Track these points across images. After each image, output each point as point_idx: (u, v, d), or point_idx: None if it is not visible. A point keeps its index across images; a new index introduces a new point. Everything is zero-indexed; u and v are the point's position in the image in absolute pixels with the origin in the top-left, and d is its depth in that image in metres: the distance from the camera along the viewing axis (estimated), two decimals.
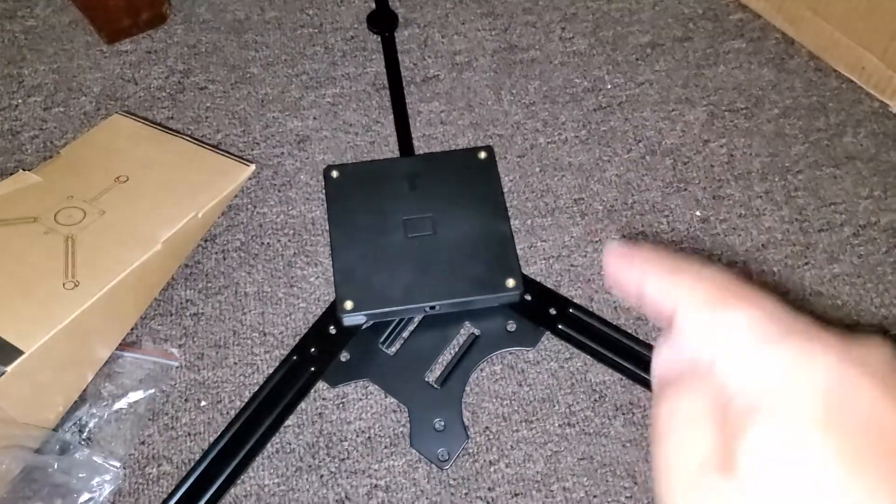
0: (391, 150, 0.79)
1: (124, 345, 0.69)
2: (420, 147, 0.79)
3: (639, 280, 0.28)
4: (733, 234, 0.74)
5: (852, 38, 0.80)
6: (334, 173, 0.73)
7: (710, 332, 0.26)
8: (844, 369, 0.23)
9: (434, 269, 0.68)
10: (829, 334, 0.24)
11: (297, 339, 0.69)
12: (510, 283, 0.67)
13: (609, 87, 0.83)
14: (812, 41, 0.84)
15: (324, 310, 0.71)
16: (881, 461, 0.22)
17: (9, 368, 0.58)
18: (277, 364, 0.68)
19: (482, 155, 0.74)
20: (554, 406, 0.66)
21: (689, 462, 0.25)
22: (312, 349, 0.67)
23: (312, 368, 0.66)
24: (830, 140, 0.79)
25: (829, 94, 0.82)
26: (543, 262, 0.73)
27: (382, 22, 0.87)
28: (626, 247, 0.29)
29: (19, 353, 0.59)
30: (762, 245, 0.74)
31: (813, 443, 0.22)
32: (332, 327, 0.68)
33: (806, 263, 0.73)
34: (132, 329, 0.69)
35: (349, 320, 0.67)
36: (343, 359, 0.67)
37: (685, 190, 0.77)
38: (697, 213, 0.75)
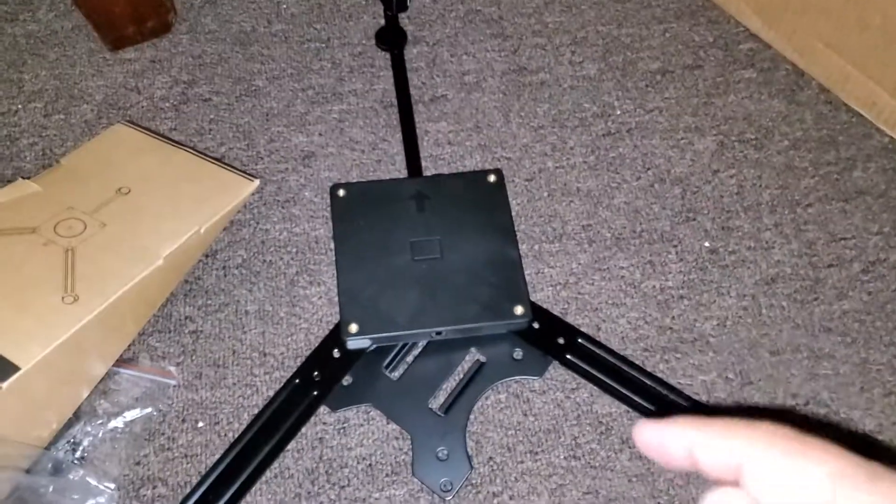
0: (398, 169, 0.78)
1: (121, 361, 0.67)
2: (427, 167, 0.78)
3: (687, 445, 0.28)
4: (742, 266, 0.73)
5: (864, 73, 0.80)
6: (341, 192, 0.72)
7: (788, 484, 0.26)
8: None
9: (441, 294, 0.66)
10: None
11: (298, 360, 0.68)
12: (518, 310, 0.66)
13: (618, 112, 0.83)
14: (823, 74, 0.84)
15: (326, 331, 0.69)
16: None
17: (4, 385, 0.56)
18: (277, 386, 0.66)
19: (492, 178, 0.73)
20: (559, 438, 0.65)
21: None
22: (315, 373, 0.66)
23: (315, 393, 0.65)
24: (840, 174, 0.79)
25: (839, 128, 0.82)
26: (550, 288, 0.72)
27: (391, 39, 0.86)
28: (656, 422, 0.29)
29: (15, 368, 0.57)
30: (771, 279, 0.73)
31: None
32: (335, 350, 0.67)
33: (815, 299, 0.72)
34: (130, 345, 0.68)
35: (353, 344, 0.66)
36: (345, 382, 0.66)
37: (694, 220, 0.76)
38: (706, 244, 0.75)
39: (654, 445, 0.30)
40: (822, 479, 0.25)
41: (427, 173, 0.78)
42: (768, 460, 0.26)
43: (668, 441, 0.29)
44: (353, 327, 0.65)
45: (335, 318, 0.70)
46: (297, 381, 0.65)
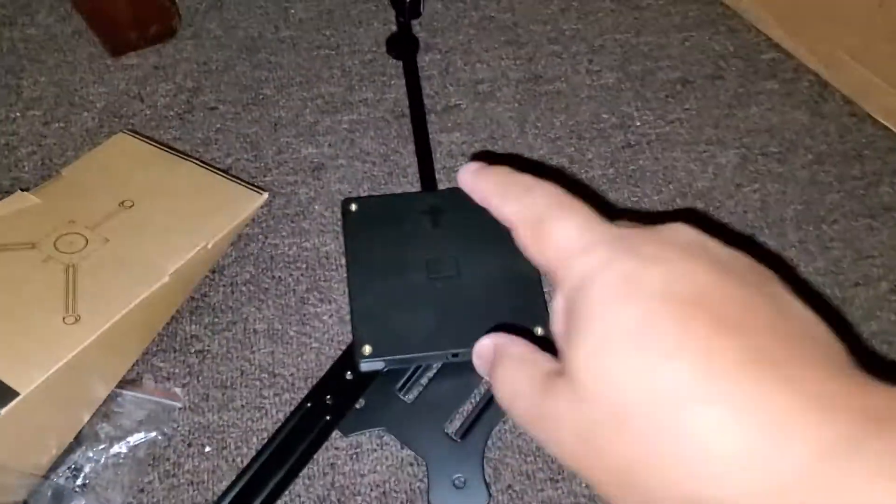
0: (409, 181, 0.76)
1: (124, 382, 0.64)
2: (440, 179, 0.76)
3: (484, 197, 0.35)
4: None
5: (891, 84, 0.77)
6: (353, 206, 0.69)
7: (539, 246, 0.31)
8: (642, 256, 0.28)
9: (458, 314, 0.64)
10: (637, 229, 0.30)
11: (309, 381, 0.65)
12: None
13: (638, 123, 0.80)
14: (847, 85, 0.81)
15: (337, 351, 0.67)
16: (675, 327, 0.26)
17: (2, 411, 0.53)
18: (287, 408, 0.64)
19: None
20: None
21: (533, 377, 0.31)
22: (328, 397, 0.63)
23: (328, 417, 0.62)
24: (866, 189, 0.76)
25: (864, 142, 0.79)
26: None
27: (403, 46, 0.83)
28: (479, 166, 0.36)
29: (14, 394, 0.54)
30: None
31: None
32: (348, 373, 0.64)
33: (842, 320, 0.70)
34: (133, 365, 0.65)
35: (367, 366, 0.63)
36: (357, 406, 0.63)
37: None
38: None
39: (470, 185, 0.36)
40: (565, 240, 0.31)
41: (441, 186, 0.75)
42: (524, 227, 0.32)
43: (477, 186, 0.35)
44: (367, 349, 0.62)
45: (347, 338, 0.67)
46: (309, 405, 0.63)
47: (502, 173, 0.35)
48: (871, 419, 0.22)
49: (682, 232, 0.30)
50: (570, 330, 0.28)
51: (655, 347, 0.25)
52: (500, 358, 0.34)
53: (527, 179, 0.34)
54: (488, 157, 0.78)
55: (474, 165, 0.36)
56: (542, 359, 0.32)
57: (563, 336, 0.29)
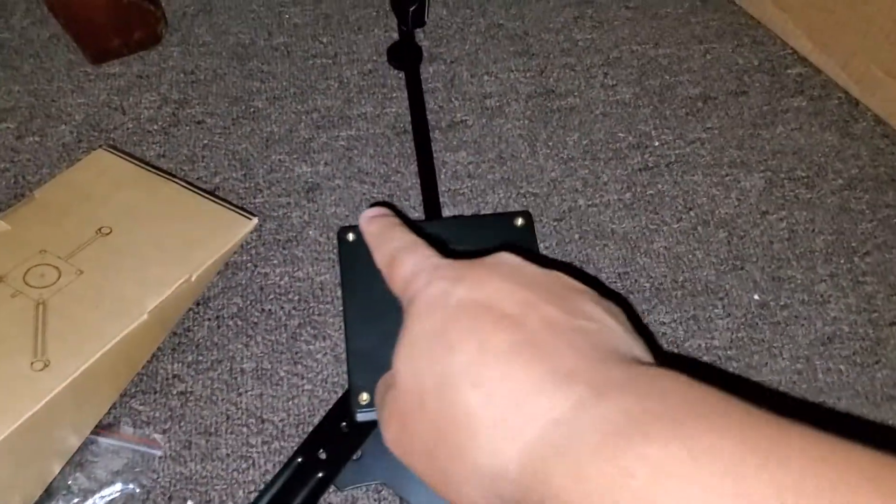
0: (412, 204, 0.70)
1: (100, 427, 0.59)
2: (445, 203, 0.70)
3: (368, 243, 0.40)
4: (795, 323, 0.66)
5: None
6: (350, 236, 0.63)
7: (391, 280, 0.37)
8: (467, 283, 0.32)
9: None
10: (463, 260, 0.34)
11: (300, 428, 0.60)
12: None
13: (656, 143, 0.75)
14: (880, 105, 0.76)
15: (331, 393, 0.62)
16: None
17: None
18: (276, 458, 0.59)
19: (519, 221, 0.65)
20: None
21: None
22: (321, 450, 0.58)
23: (321, 475, 0.57)
24: None
25: None
26: None
27: (405, 56, 0.78)
28: (375, 214, 0.41)
29: None
30: (827, 338, 0.65)
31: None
32: (343, 424, 0.59)
33: (877, 362, 0.65)
34: (110, 408, 0.60)
35: (364, 416, 0.58)
36: (354, 456, 0.58)
37: (742, 269, 0.68)
38: (756, 297, 0.67)
39: (363, 234, 0.40)
40: (406, 276, 0.35)
41: (445, 210, 0.70)
42: (385, 272, 0.38)
43: (365, 235, 0.40)
44: (364, 397, 0.56)
45: (342, 379, 0.62)
46: (300, 460, 0.57)
47: (381, 227, 0.40)
48: (600, 389, 0.27)
49: (501, 258, 0.34)
50: (398, 340, 0.33)
51: (447, 340, 0.30)
52: None
53: (392, 233, 0.39)
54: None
55: (372, 212, 0.41)
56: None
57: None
